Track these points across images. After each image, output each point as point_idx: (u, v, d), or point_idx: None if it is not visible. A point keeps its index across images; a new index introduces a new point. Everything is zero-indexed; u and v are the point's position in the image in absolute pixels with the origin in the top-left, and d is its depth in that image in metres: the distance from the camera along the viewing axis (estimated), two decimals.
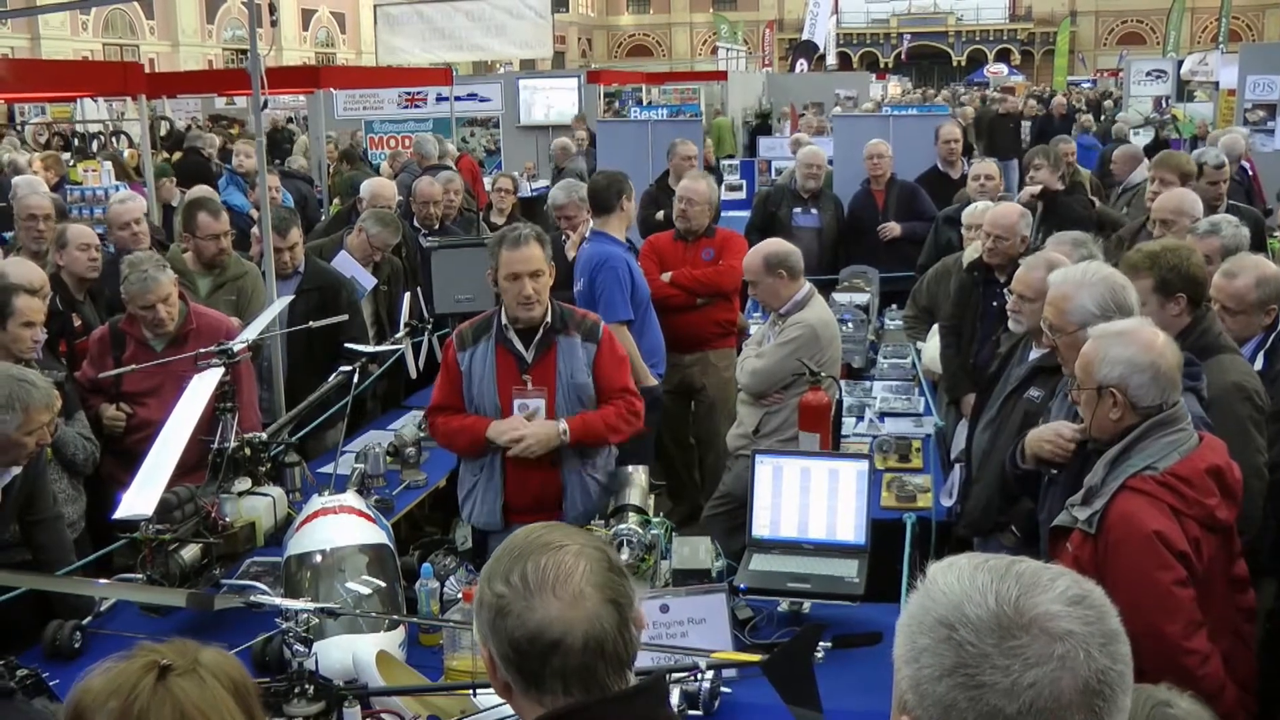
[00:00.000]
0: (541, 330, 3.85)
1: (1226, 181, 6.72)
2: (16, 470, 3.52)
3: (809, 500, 3.53)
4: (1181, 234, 4.71)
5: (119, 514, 3.31)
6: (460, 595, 3.33)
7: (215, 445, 3.97)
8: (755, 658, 2.73)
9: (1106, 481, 2.77)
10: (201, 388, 3.82)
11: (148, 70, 11.40)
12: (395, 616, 3.06)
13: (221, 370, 3.98)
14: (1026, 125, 18.72)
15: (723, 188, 10.08)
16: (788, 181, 8.29)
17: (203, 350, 4.14)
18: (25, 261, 5.10)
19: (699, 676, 2.80)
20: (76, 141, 11.71)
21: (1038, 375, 3.64)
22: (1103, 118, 19.91)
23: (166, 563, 3.40)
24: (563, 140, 12.85)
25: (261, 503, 3.94)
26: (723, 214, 8.14)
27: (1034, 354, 3.80)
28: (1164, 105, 19.00)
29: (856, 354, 5.97)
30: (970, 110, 19.84)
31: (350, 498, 3.54)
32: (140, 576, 3.41)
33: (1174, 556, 2.63)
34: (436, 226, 7.19)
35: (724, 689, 2.89)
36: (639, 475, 3.83)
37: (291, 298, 5.15)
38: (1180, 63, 20.37)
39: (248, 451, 4.00)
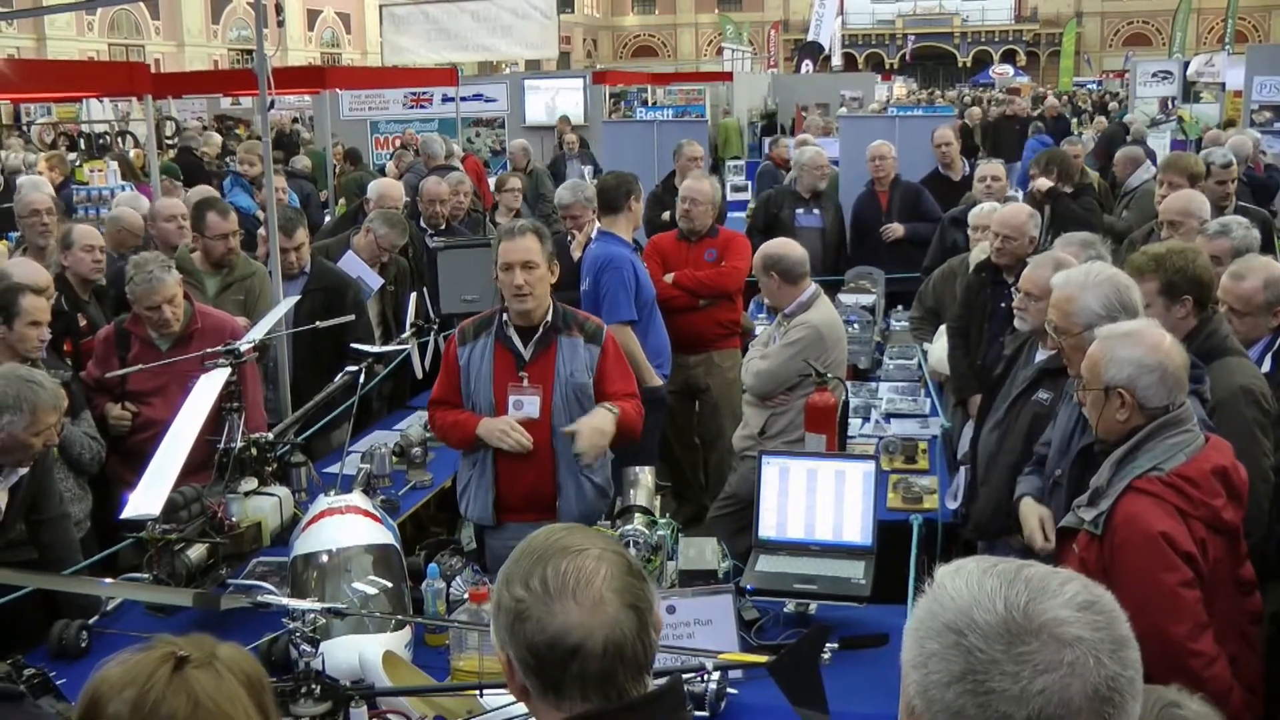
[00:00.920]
0: (541, 329, 3.85)
1: (1234, 181, 6.70)
2: (23, 470, 3.53)
3: (815, 501, 3.52)
4: (1189, 235, 4.70)
5: (125, 514, 3.31)
6: (466, 595, 3.32)
7: (221, 445, 3.98)
8: (761, 659, 2.73)
9: (1112, 482, 2.76)
10: (208, 388, 3.82)
11: (153, 70, 11.43)
12: (401, 617, 3.06)
13: (228, 370, 3.98)
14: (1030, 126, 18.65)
15: (728, 188, 10.08)
16: (789, 183, 8.30)
17: (209, 350, 4.15)
18: (30, 261, 5.15)
19: (705, 677, 2.80)
20: (82, 142, 11.74)
21: (1045, 377, 3.63)
22: (1109, 119, 19.84)
23: (173, 562, 3.42)
24: (521, 141, 12.60)
25: (268, 503, 3.95)
26: (728, 215, 8.15)
27: (1040, 356, 3.79)
28: (1170, 106, 18.95)
29: (862, 355, 5.97)
30: (978, 111, 19.81)
31: (356, 498, 3.53)
32: (146, 576, 3.42)
33: (1180, 557, 2.62)
34: (443, 226, 7.20)
35: (730, 690, 2.88)
36: (645, 476, 3.80)
37: (297, 298, 5.15)
38: (1186, 64, 20.28)
39: (254, 451, 4.01)
